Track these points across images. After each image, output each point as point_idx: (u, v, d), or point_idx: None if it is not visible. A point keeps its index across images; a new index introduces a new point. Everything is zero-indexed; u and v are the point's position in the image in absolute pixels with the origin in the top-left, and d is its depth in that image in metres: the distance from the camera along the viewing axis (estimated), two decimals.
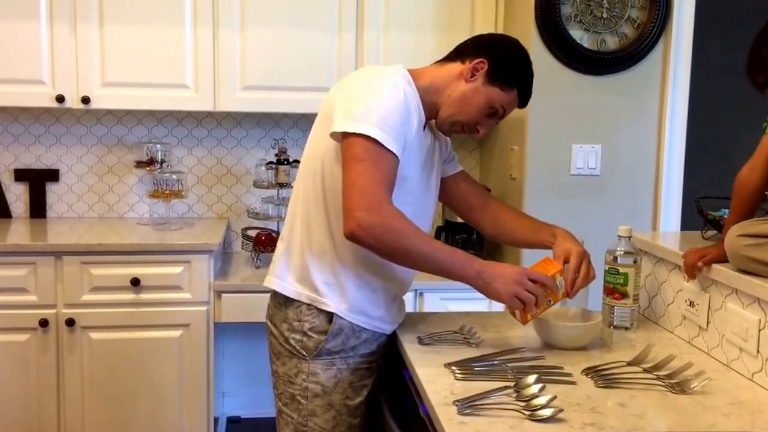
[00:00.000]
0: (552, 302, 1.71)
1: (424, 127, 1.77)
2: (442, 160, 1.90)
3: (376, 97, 1.62)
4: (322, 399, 1.74)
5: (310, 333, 1.73)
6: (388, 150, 1.59)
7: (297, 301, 1.74)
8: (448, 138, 1.93)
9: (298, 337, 1.74)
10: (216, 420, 3.19)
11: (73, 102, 2.92)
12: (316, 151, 1.74)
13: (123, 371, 2.79)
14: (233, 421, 3.39)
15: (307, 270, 1.73)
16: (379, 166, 1.57)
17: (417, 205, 1.76)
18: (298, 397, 1.75)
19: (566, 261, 1.75)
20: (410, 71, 1.74)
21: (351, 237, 1.56)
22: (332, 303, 1.72)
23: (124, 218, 3.30)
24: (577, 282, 1.73)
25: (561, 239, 1.81)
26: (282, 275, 1.77)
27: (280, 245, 1.82)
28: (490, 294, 1.62)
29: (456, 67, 1.76)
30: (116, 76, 2.93)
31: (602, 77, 2.85)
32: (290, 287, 1.75)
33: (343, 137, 1.61)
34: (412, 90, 1.70)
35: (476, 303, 2.95)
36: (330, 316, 1.72)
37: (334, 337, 1.72)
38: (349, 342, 1.74)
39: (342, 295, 1.72)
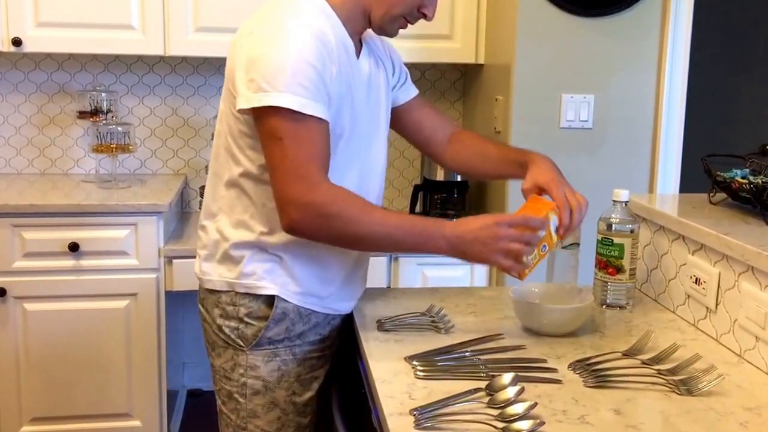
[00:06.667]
0: (548, 248, 1.45)
1: (358, 55, 1.48)
2: (390, 87, 1.61)
3: (280, 51, 1.33)
4: (263, 397, 1.49)
5: (247, 319, 1.46)
6: (311, 116, 1.32)
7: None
8: (396, 57, 1.64)
9: (233, 324, 1.47)
10: (175, 393, 2.97)
11: (3, 44, 2.60)
12: (225, 118, 1.48)
13: (64, 345, 2.54)
14: (194, 395, 3.15)
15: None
16: (303, 140, 1.32)
17: (364, 163, 1.51)
18: (236, 395, 1.49)
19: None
20: None
21: (290, 232, 1.37)
22: (272, 284, 1.45)
23: (68, 175, 3.00)
24: (574, 216, 1.44)
25: (535, 169, 1.50)
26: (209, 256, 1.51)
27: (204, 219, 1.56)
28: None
29: None
30: (51, 14, 2.61)
31: (596, 19, 2.59)
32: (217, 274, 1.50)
33: (253, 112, 1.35)
34: (326, 17, 1.40)
35: (458, 268, 2.75)
36: (270, 299, 1.46)
37: (277, 323, 1.46)
38: (294, 328, 1.48)
39: (285, 274, 1.45)
